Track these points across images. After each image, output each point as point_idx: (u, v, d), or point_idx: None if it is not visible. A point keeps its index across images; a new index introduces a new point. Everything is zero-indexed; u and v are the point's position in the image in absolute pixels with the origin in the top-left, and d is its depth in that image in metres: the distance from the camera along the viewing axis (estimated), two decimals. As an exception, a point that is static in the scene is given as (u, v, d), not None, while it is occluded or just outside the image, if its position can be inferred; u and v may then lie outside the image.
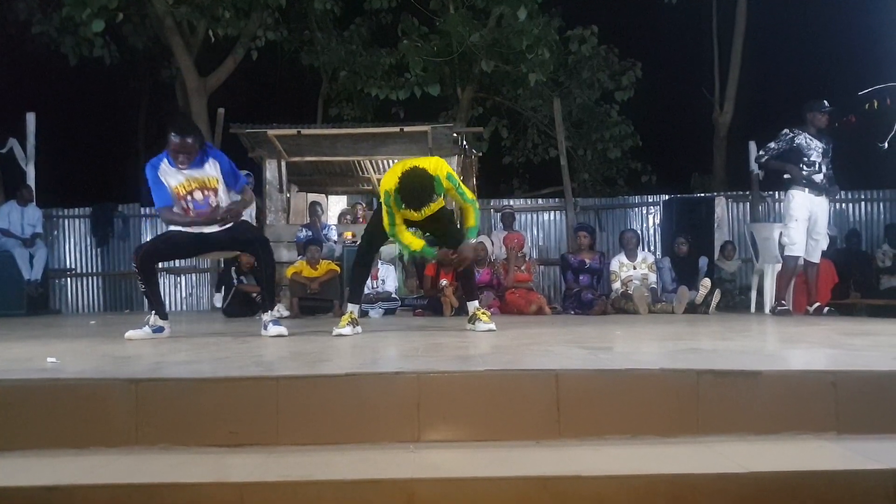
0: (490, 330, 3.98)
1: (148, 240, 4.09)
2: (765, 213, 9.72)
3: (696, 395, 2.04)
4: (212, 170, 3.79)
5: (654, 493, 1.69)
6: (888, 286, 7.84)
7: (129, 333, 3.76)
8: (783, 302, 5.75)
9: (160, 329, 3.89)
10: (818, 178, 5.59)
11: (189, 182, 3.77)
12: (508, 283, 6.93)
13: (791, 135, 5.62)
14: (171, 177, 3.77)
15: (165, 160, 3.76)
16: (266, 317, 3.93)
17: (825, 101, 5.65)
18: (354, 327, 3.97)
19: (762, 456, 1.83)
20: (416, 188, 3.63)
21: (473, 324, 4.12)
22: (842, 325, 4.37)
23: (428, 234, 4.42)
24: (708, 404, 2.03)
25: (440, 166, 3.82)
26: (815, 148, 5.57)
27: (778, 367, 2.23)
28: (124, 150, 16.63)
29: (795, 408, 2.03)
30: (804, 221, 5.60)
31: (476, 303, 4.27)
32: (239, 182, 3.93)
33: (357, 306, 4.18)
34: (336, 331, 3.87)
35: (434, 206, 3.95)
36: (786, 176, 5.66)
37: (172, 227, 3.91)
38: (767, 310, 6.28)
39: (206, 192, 3.79)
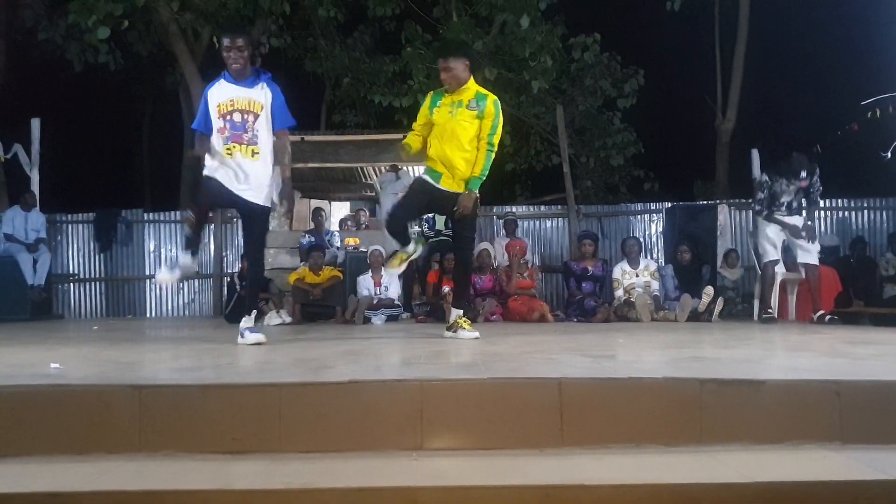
0: (476, 338, 3.89)
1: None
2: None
3: (699, 403, 2.04)
4: (260, 95, 3.74)
5: (657, 502, 1.69)
6: (891, 294, 7.82)
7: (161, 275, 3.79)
8: (769, 310, 5.89)
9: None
10: (790, 219, 5.99)
11: (232, 101, 3.72)
12: (511, 290, 6.93)
13: (769, 181, 6.08)
14: (219, 94, 3.73)
15: (222, 78, 3.76)
16: (242, 323, 3.78)
17: (794, 154, 6.05)
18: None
19: (766, 465, 1.83)
20: (447, 40, 3.84)
21: (455, 332, 3.99)
22: (845, 334, 4.36)
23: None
24: (711, 413, 2.03)
25: (496, 100, 3.98)
26: (788, 192, 5.99)
27: (781, 376, 2.23)
28: (128, 156, 16.70)
29: (799, 417, 2.03)
30: (776, 232, 6.05)
31: (461, 311, 4.11)
32: (284, 123, 3.78)
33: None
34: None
35: (465, 115, 3.94)
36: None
37: (210, 177, 3.76)
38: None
39: (245, 116, 3.72)
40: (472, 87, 4.02)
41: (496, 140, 3.96)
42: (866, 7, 9.46)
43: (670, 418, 2.03)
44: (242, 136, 3.73)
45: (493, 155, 3.97)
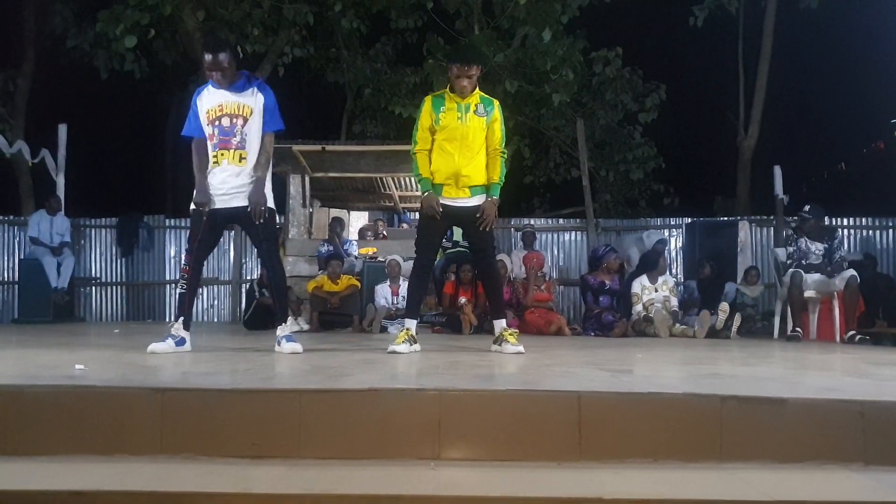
0: (519, 353, 3.73)
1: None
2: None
3: (719, 420, 2.02)
4: (250, 99, 3.67)
5: (677, 518, 1.68)
6: (916, 315, 7.67)
7: (153, 347, 3.63)
8: (797, 329, 5.87)
9: (182, 341, 3.72)
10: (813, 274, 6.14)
11: (221, 107, 3.67)
12: (528, 302, 6.92)
13: (795, 236, 6.32)
14: (208, 100, 3.70)
15: (209, 84, 3.71)
16: (279, 331, 3.76)
17: (806, 207, 6.31)
18: (412, 345, 3.79)
19: (786, 484, 1.81)
20: (468, 46, 3.73)
21: (500, 345, 3.86)
22: (868, 354, 4.30)
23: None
24: (731, 430, 2.01)
25: (498, 104, 3.95)
26: (813, 251, 6.21)
27: (803, 394, 2.20)
28: (151, 163, 16.91)
29: (821, 436, 2.00)
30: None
31: (503, 322, 3.96)
32: (272, 126, 3.71)
33: (415, 322, 3.94)
34: (391, 347, 3.71)
35: (476, 123, 3.83)
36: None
37: (194, 207, 3.70)
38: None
39: (234, 120, 3.64)
40: (476, 91, 3.94)
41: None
42: (894, 24, 9.38)
43: (690, 434, 2.01)
44: (231, 140, 3.65)
45: (503, 160, 3.95)
